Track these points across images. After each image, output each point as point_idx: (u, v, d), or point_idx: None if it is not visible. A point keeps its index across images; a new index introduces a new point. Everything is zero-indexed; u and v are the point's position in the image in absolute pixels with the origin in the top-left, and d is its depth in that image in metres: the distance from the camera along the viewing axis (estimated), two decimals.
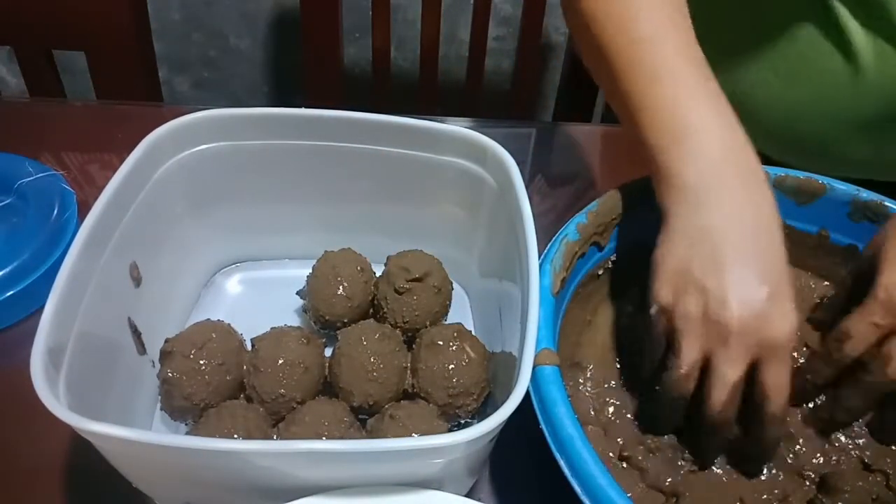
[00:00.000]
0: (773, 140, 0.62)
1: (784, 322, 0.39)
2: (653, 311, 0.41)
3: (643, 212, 0.50)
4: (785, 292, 0.39)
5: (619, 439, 0.45)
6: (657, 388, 0.42)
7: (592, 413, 0.46)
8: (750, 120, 0.55)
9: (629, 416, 0.46)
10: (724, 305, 0.38)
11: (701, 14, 0.60)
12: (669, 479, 0.43)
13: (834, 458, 0.45)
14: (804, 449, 0.45)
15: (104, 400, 0.41)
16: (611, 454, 0.44)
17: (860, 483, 0.43)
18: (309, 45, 0.93)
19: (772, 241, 0.41)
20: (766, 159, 0.58)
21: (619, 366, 0.49)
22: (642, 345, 0.43)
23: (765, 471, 0.44)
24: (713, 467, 0.44)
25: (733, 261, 0.39)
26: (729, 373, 0.39)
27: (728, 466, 0.44)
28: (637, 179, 0.50)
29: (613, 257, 0.51)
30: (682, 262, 0.40)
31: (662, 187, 0.43)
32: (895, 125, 0.56)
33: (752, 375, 0.40)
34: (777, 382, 0.39)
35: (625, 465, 0.44)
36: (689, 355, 0.40)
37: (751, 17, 0.59)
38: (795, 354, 0.49)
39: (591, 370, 0.48)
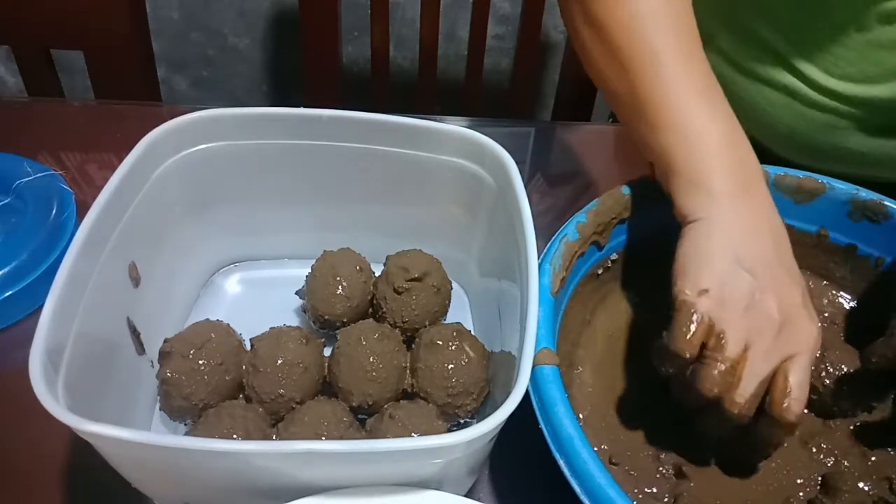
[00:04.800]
0: (772, 133, 0.62)
1: (814, 324, 0.40)
2: (688, 296, 0.39)
3: (643, 211, 0.50)
4: (808, 296, 0.41)
5: (619, 438, 0.45)
6: (681, 391, 0.41)
7: (592, 413, 0.46)
8: (749, 114, 0.55)
9: (629, 415, 0.46)
10: (770, 299, 0.39)
11: (707, 16, 0.60)
12: (668, 481, 0.43)
13: (834, 458, 0.45)
14: (804, 449, 0.45)
15: (103, 400, 0.41)
16: (610, 455, 0.44)
17: (860, 484, 0.43)
18: (308, 44, 0.93)
19: (789, 245, 0.43)
20: (764, 152, 0.58)
21: (618, 366, 0.49)
22: (659, 347, 0.41)
23: (765, 471, 0.44)
24: (710, 467, 0.44)
25: (777, 258, 0.41)
26: (763, 367, 0.39)
27: (719, 466, 0.44)
28: (637, 179, 0.50)
29: (613, 257, 0.51)
30: (724, 254, 0.40)
31: (687, 191, 0.42)
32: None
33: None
34: (802, 381, 0.39)
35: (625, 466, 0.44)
36: (733, 348, 0.39)
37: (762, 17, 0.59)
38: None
39: (590, 370, 0.48)
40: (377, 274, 0.52)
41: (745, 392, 0.39)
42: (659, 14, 0.45)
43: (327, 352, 0.48)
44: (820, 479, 0.44)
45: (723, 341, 0.39)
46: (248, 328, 0.48)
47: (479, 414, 0.46)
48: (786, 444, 0.45)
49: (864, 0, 0.53)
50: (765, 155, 0.52)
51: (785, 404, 0.39)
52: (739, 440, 0.42)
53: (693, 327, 0.39)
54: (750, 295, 0.39)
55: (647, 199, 0.50)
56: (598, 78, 0.49)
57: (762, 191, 0.43)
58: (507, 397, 0.35)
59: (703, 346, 0.39)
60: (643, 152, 0.46)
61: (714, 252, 0.40)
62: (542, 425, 0.39)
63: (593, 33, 0.47)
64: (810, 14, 0.56)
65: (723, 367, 0.38)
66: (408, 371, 0.47)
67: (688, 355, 0.39)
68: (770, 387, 0.39)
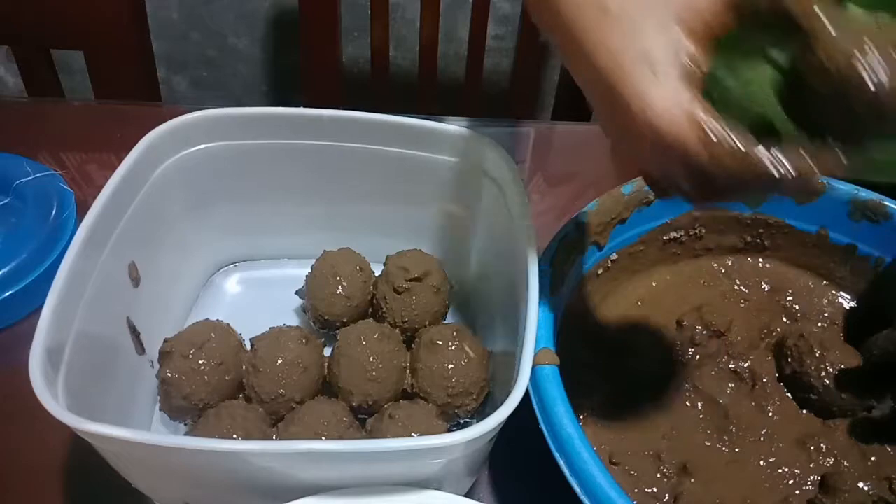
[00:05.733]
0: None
1: None
2: None
3: (643, 211, 0.50)
4: None
5: (619, 438, 0.45)
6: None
7: (592, 413, 0.46)
8: (746, 114, 0.54)
9: (629, 415, 0.46)
10: None
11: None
12: (668, 481, 0.43)
13: (833, 458, 0.45)
14: (804, 449, 0.45)
15: (103, 400, 0.41)
16: (610, 455, 0.44)
17: (860, 484, 0.43)
18: (307, 44, 0.93)
19: None
20: None
21: (618, 366, 0.49)
22: None
23: (765, 471, 0.44)
24: (710, 467, 0.44)
25: None
26: None
27: (728, 466, 0.44)
28: (637, 179, 0.50)
29: (613, 257, 0.51)
30: None
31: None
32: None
33: None
34: None
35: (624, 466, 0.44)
36: None
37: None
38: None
39: (589, 370, 0.48)
40: (377, 274, 0.52)
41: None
42: None
43: (327, 352, 0.48)
44: (819, 479, 0.44)
45: None
46: (248, 328, 0.48)
47: (479, 414, 0.46)
48: (782, 445, 0.45)
49: None
50: None
51: None
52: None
53: None
54: None
55: (647, 200, 0.50)
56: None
57: None
58: (506, 397, 0.35)
59: None
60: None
61: None
62: (542, 425, 0.39)
63: None
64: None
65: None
66: (408, 371, 0.47)
67: None
68: None
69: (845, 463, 0.44)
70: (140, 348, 0.46)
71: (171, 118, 0.47)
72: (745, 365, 0.49)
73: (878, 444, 0.45)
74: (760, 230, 0.53)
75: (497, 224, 0.48)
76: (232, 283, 0.56)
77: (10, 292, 0.52)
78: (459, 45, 1.30)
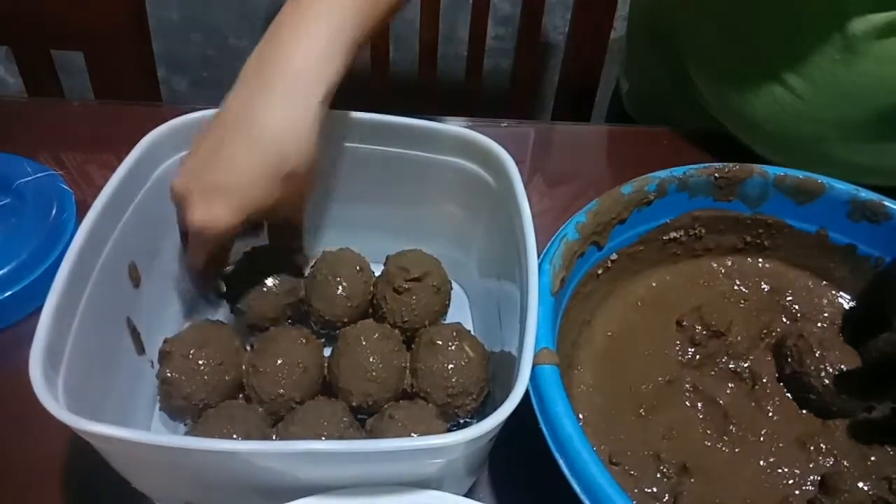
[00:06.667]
0: (768, 142, 0.62)
1: None
2: None
3: (643, 211, 0.50)
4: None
5: (619, 438, 0.45)
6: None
7: (592, 413, 0.46)
8: (744, 123, 0.54)
9: (629, 415, 0.46)
10: None
11: (699, 24, 0.60)
12: (668, 481, 0.43)
13: (833, 458, 0.45)
14: (804, 449, 0.45)
15: (103, 400, 0.41)
16: (610, 455, 0.44)
17: (860, 484, 0.43)
18: None
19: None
20: (760, 158, 0.58)
21: (618, 366, 0.49)
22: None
23: (765, 471, 0.44)
24: (710, 467, 0.44)
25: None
26: None
27: (728, 466, 0.44)
28: (637, 179, 0.50)
29: (613, 257, 0.51)
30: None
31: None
32: (890, 128, 0.56)
33: None
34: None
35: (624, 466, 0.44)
36: None
37: (754, 24, 0.59)
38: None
39: (590, 370, 0.48)
40: (377, 274, 0.52)
41: None
42: None
43: (327, 352, 0.48)
44: (819, 479, 0.44)
45: None
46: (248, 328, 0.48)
47: (479, 414, 0.46)
48: (782, 445, 0.45)
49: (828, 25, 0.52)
50: (761, 161, 0.53)
51: None
52: None
53: None
54: None
55: (647, 200, 0.50)
56: None
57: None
58: (506, 397, 0.35)
59: None
60: None
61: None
62: (542, 425, 0.39)
63: None
64: (782, 31, 0.56)
65: None
66: (408, 371, 0.47)
67: None
68: None
69: (845, 463, 0.44)
70: (140, 348, 0.46)
71: (171, 118, 0.47)
72: (745, 365, 0.49)
73: (878, 445, 0.45)
74: (760, 230, 0.53)
75: (497, 224, 0.48)
76: None
77: (9, 292, 0.52)
78: (459, 45, 1.30)
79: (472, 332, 0.49)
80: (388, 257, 0.51)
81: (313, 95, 0.42)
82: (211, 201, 0.41)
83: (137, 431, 0.33)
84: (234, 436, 0.41)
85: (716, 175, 0.51)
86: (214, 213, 0.41)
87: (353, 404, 0.45)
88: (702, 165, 0.51)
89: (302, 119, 0.41)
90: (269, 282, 0.49)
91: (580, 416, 0.46)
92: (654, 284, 0.54)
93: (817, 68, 0.56)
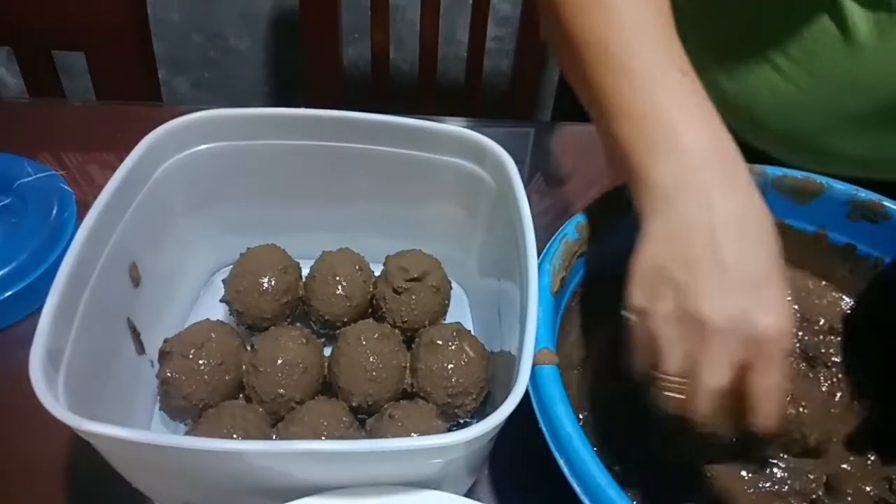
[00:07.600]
0: (768, 135, 0.62)
1: (771, 316, 0.34)
2: (627, 315, 0.37)
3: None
4: (774, 285, 0.35)
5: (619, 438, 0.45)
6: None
7: (592, 413, 0.46)
8: (744, 116, 0.54)
9: (629, 415, 0.46)
10: (698, 299, 0.34)
11: (698, 15, 0.59)
12: (668, 481, 0.43)
13: (834, 460, 0.45)
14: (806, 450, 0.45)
15: (103, 400, 0.41)
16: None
17: (861, 485, 0.43)
18: (308, 45, 0.93)
19: (760, 233, 0.37)
20: (760, 155, 0.57)
21: (617, 366, 0.49)
22: (626, 358, 0.39)
23: (765, 472, 0.44)
24: (710, 467, 0.44)
25: (710, 252, 0.35)
26: (709, 378, 0.34)
27: (723, 464, 0.44)
28: None
29: None
30: (654, 260, 0.37)
31: (638, 190, 0.39)
32: (890, 119, 0.56)
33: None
34: (766, 388, 0.35)
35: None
36: (672, 364, 0.35)
37: (753, 13, 0.59)
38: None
39: (590, 370, 0.48)
40: (377, 274, 0.52)
41: (699, 410, 0.35)
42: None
43: (327, 352, 0.48)
44: (821, 480, 0.44)
45: (660, 356, 0.36)
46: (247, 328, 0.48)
47: (479, 414, 0.46)
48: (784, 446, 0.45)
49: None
50: (761, 158, 0.53)
51: (756, 420, 0.35)
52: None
53: (635, 348, 0.37)
54: (679, 301, 0.35)
55: None
56: (563, 66, 0.45)
57: (734, 177, 0.38)
58: (506, 397, 0.35)
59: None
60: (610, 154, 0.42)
61: (642, 261, 0.37)
62: (541, 425, 0.39)
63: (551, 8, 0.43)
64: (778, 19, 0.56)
65: (669, 386, 0.36)
66: (408, 371, 0.47)
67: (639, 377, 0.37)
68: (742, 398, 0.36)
69: (846, 465, 0.44)
70: (140, 348, 0.46)
71: (171, 118, 0.47)
72: None
73: (879, 446, 0.45)
74: None
75: (497, 224, 0.48)
76: None
77: (10, 292, 0.52)
78: (459, 46, 1.30)
79: (472, 332, 0.49)
80: (387, 257, 0.51)
81: None
82: None
83: (137, 431, 0.33)
84: (234, 436, 0.41)
85: None
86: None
87: (353, 404, 0.45)
88: None
89: None
90: (265, 281, 0.48)
91: (580, 416, 0.46)
92: None
93: (817, 59, 0.55)
